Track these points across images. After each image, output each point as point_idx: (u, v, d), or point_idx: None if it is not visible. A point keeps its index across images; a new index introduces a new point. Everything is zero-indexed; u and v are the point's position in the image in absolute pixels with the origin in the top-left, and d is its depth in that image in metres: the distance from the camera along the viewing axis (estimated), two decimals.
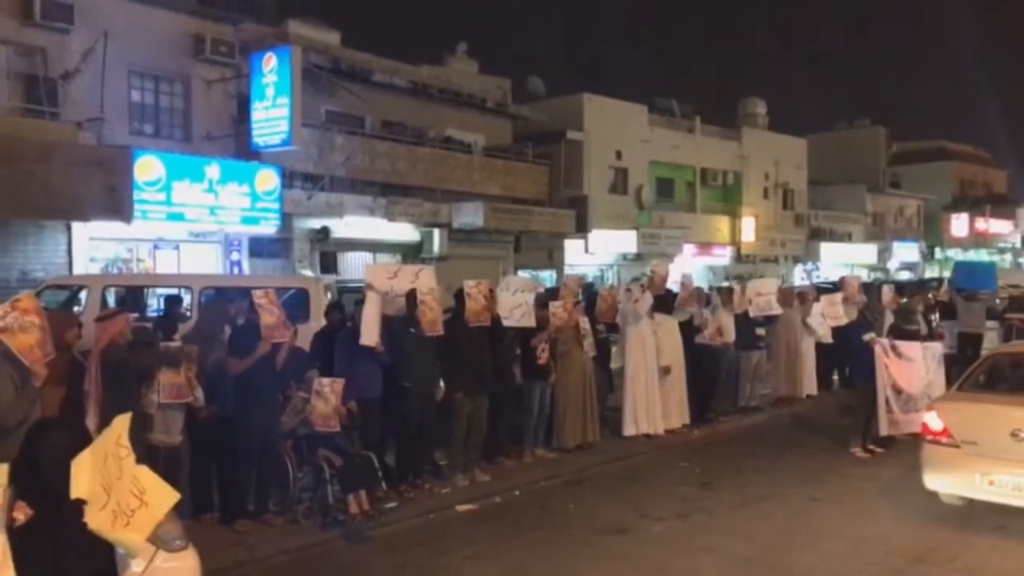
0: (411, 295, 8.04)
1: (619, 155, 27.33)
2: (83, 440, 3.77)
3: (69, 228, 15.04)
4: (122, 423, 4.28)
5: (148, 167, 14.83)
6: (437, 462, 8.58)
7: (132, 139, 15.85)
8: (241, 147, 17.26)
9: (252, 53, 17.09)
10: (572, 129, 25.60)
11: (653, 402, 10.42)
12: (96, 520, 3.72)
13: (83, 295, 12.62)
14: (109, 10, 15.43)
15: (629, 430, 10.32)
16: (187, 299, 12.91)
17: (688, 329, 11.08)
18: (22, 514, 3.36)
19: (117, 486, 3.99)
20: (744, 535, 6.98)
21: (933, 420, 7.24)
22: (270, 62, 16.66)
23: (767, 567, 6.31)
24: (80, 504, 3.61)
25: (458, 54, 25.47)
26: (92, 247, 15.62)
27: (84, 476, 3.71)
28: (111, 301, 12.85)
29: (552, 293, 10.69)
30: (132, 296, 13.18)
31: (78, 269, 15.01)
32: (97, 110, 15.11)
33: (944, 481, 7.16)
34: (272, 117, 16.63)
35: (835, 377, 13.89)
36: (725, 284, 12.64)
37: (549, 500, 8.21)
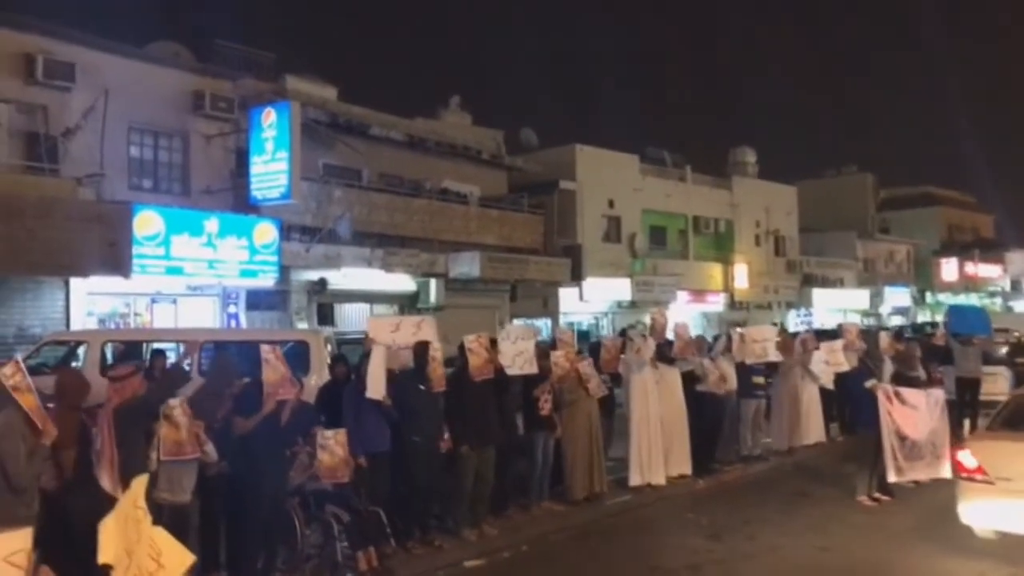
0: (423, 349, 8.04)
1: (612, 204, 27.58)
2: (107, 502, 3.78)
3: (67, 283, 15.01)
4: (140, 484, 4.29)
5: (147, 222, 14.87)
6: (444, 517, 8.52)
7: (131, 194, 15.92)
8: (239, 201, 17.35)
9: (251, 108, 17.28)
10: (565, 179, 25.86)
11: (657, 452, 10.39)
12: None
13: (81, 351, 12.57)
14: (110, 68, 15.63)
15: (635, 480, 10.27)
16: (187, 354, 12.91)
17: (688, 378, 11.10)
18: None
19: (137, 549, 3.99)
20: None
21: (967, 458, 7.64)
22: (269, 117, 16.84)
23: None
24: (107, 569, 3.61)
25: (452, 107, 25.80)
26: (90, 302, 15.58)
27: (111, 541, 3.71)
28: (110, 356, 12.83)
29: (551, 344, 10.70)
30: (131, 351, 13.13)
31: (76, 324, 14.95)
32: (97, 166, 15.20)
33: (980, 515, 7.56)
34: (271, 171, 16.76)
35: (833, 424, 13.89)
36: (732, 332, 12.63)
37: (558, 554, 8.16)
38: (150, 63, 16.76)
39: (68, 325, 14.86)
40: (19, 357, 7.44)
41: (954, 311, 16.65)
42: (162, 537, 4.21)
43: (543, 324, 24.25)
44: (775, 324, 18.66)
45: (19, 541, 3.13)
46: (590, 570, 7.61)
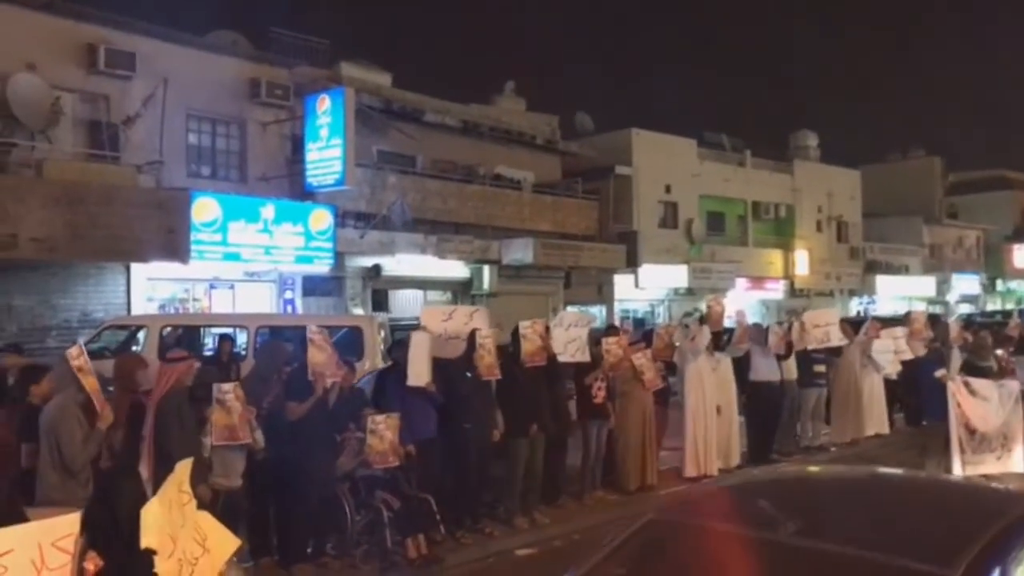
0: (472, 337, 7.95)
1: (668, 189, 27.16)
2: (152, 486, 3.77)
3: (128, 269, 15.34)
4: (184, 469, 4.25)
5: (205, 208, 15.09)
6: (495, 505, 8.44)
7: (189, 181, 16.17)
8: (295, 187, 17.51)
9: (306, 95, 17.38)
10: (621, 164, 25.54)
11: (712, 442, 10.16)
12: (164, 569, 3.67)
13: (141, 335, 12.82)
14: (169, 57, 15.85)
15: (690, 471, 10.05)
16: (242, 338, 13.10)
17: (742, 367, 10.82)
18: (92, 564, 3.31)
19: (181, 534, 3.95)
20: None
21: None
22: (324, 104, 16.92)
23: None
24: (150, 553, 3.57)
25: (506, 92, 25.65)
26: (150, 287, 15.90)
27: (154, 525, 3.68)
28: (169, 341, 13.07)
29: (606, 331, 10.53)
30: (189, 336, 13.36)
31: (136, 309, 15.28)
32: (156, 154, 15.46)
33: None
34: (326, 158, 16.85)
35: (897, 415, 13.45)
36: (782, 320, 12.26)
37: None
38: (208, 51, 16.97)
39: (129, 310, 15.18)
40: (82, 341, 7.61)
41: None
42: (208, 521, 4.17)
43: (597, 311, 24.04)
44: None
45: (67, 526, 3.09)
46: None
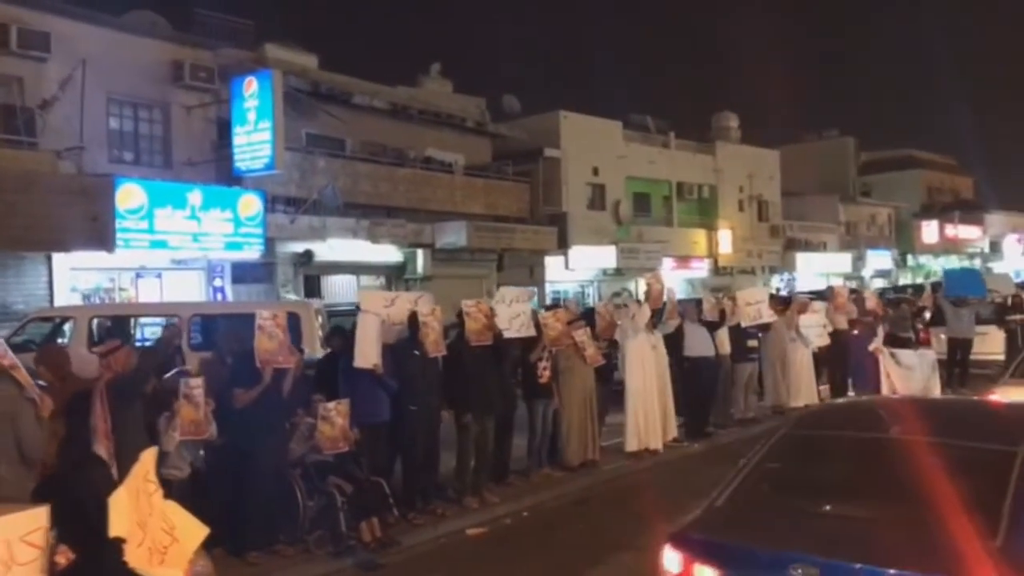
0: (413, 317, 7.97)
1: (596, 171, 27.47)
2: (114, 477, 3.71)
3: (50, 259, 14.81)
4: (149, 458, 4.20)
5: (130, 195, 14.64)
6: (444, 486, 8.50)
7: (112, 167, 15.67)
8: (222, 172, 17.12)
9: (232, 78, 16.99)
10: (549, 146, 25.71)
11: (654, 417, 10.41)
12: (135, 558, 3.64)
13: (68, 327, 12.42)
14: (87, 38, 15.28)
15: (631, 445, 10.29)
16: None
17: (675, 342, 11.09)
18: (63, 558, 3.26)
19: (150, 523, 3.92)
20: None
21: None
22: (251, 86, 16.55)
23: None
24: (120, 543, 3.53)
25: (432, 74, 25.48)
26: (73, 277, 15.38)
27: (122, 514, 3.64)
28: (96, 332, 12.68)
29: (546, 308, 10.66)
30: (118, 326, 12.98)
31: (59, 300, 14.77)
32: (76, 139, 14.92)
33: None
34: (254, 141, 16.51)
35: (823, 386, 13.98)
36: (705, 297, 12.58)
37: (559, 520, 8.17)
38: (127, 33, 16.41)
39: (52, 301, 14.67)
40: (2, 335, 7.34)
41: (948, 275, 16.74)
42: (175, 511, 4.13)
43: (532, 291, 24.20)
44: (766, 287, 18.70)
45: (35, 520, 3.05)
46: (590, 534, 7.62)
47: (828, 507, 4.08)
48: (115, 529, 3.60)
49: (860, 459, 4.38)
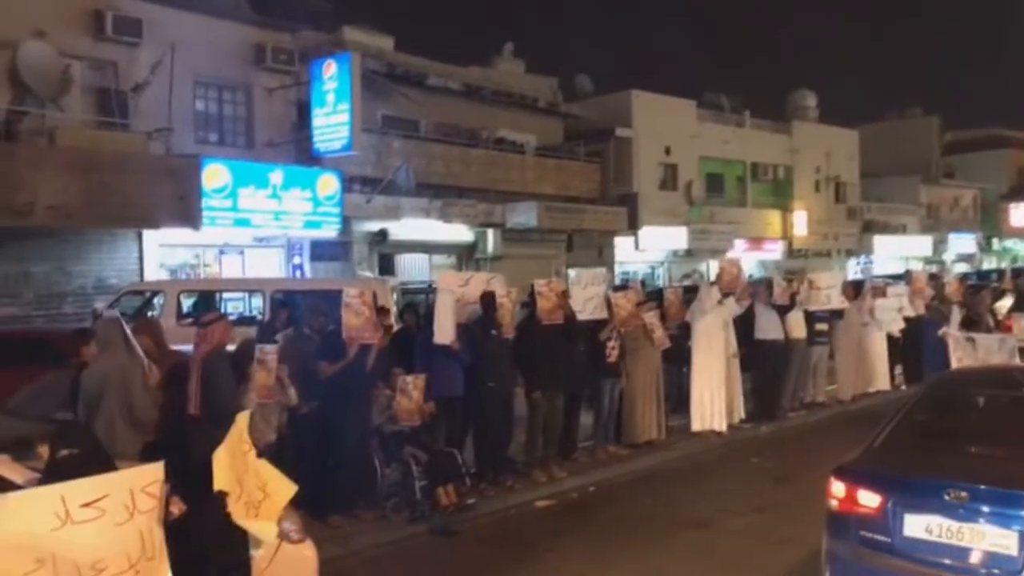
0: (490, 297, 8.21)
1: (668, 151, 27.25)
2: (219, 436, 4.05)
3: (140, 236, 15.51)
4: (243, 420, 4.55)
5: (215, 175, 15.24)
6: (514, 459, 8.78)
7: (198, 147, 16.28)
8: (301, 153, 17.62)
9: (312, 60, 17.42)
10: (621, 126, 25.61)
11: (719, 398, 10.49)
12: (235, 511, 3.98)
13: (158, 300, 13.07)
14: (175, 23, 15.88)
15: (696, 425, 10.41)
16: (257, 302, 13.37)
17: (746, 324, 11.10)
18: (177, 509, 3.61)
19: (245, 479, 4.26)
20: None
21: None
22: (330, 69, 16.97)
23: None
24: (223, 496, 3.88)
25: (504, 54, 25.55)
26: (161, 253, 16.11)
27: (223, 470, 3.98)
28: (185, 305, 13.33)
29: (615, 289, 10.80)
30: (204, 300, 13.62)
31: (148, 275, 15.48)
32: (165, 120, 15.54)
33: None
34: (333, 123, 16.95)
35: (898, 372, 13.80)
36: (775, 279, 12.48)
37: (624, 495, 8.37)
38: (212, 16, 16.93)
39: (142, 276, 15.39)
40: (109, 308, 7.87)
41: None
42: (266, 469, 4.45)
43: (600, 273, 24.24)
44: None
45: (154, 473, 3.38)
46: (657, 510, 7.80)
47: (972, 448, 4.90)
48: (219, 483, 3.96)
49: (997, 412, 5.24)
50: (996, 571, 4.23)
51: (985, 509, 4.30)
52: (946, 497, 4.35)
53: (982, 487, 4.33)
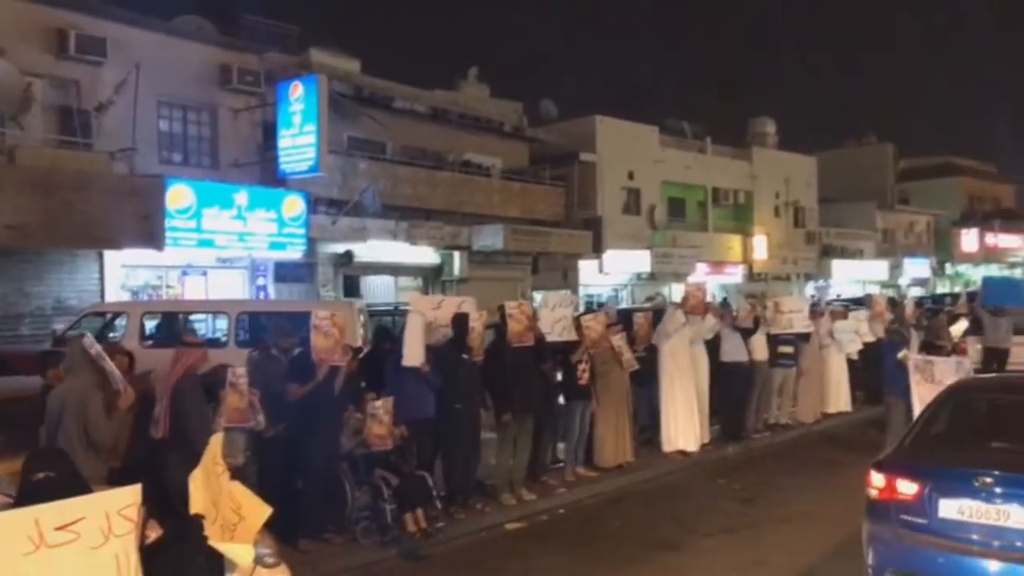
0: (463, 320, 8.22)
1: (631, 176, 27.59)
2: (194, 459, 4.00)
3: (101, 256, 15.31)
4: (217, 442, 4.50)
5: (180, 195, 15.11)
6: (483, 482, 8.76)
7: (162, 168, 16.15)
8: (266, 174, 17.55)
9: (278, 82, 17.41)
10: (585, 151, 25.90)
11: (690, 419, 10.58)
12: (212, 533, 3.93)
13: (120, 321, 12.87)
14: (139, 43, 15.79)
15: (666, 447, 10.48)
16: (222, 324, 13.21)
17: (711, 347, 11.24)
18: (153, 532, 3.55)
19: (220, 502, 4.21)
20: (793, 550, 7.14)
21: None
22: (297, 90, 16.97)
23: None
24: (199, 519, 3.82)
25: (470, 79, 25.70)
26: (123, 274, 15.88)
27: (199, 492, 3.93)
28: (148, 327, 13.14)
29: (584, 313, 10.90)
30: (168, 322, 13.43)
31: (110, 296, 15.26)
32: (129, 140, 15.41)
33: None
34: (299, 144, 16.92)
35: (859, 393, 14.02)
36: (741, 301, 12.67)
37: (594, 517, 8.39)
38: (178, 37, 16.91)
39: (103, 297, 15.16)
40: (84, 332, 7.73)
41: (988, 283, 16.65)
42: (241, 491, 4.40)
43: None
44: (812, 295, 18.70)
45: (130, 496, 3.33)
46: (626, 532, 7.83)
47: (994, 444, 5.72)
48: (195, 506, 3.90)
49: (1011, 413, 6.09)
50: (1019, 544, 4.93)
51: (1009, 493, 5.01)
52: (975, 484, 5.07)
53: (1007, 474, 5.07)
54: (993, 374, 11.22)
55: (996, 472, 5.08)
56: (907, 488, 5.34)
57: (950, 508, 5.17)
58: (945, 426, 6.03)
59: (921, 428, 6.02)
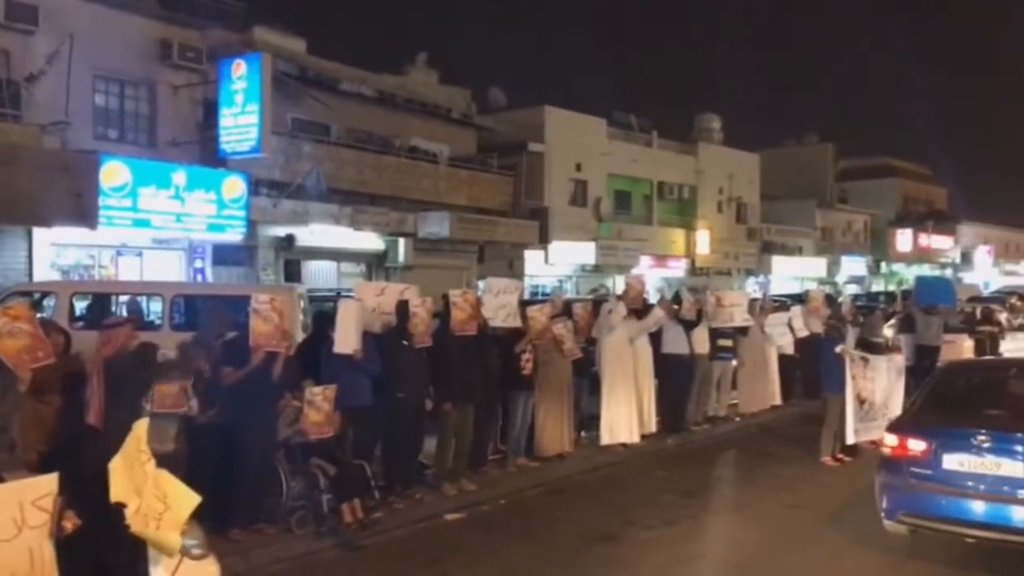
0: (403, 306, 8.09)
1: (579, 167, 27.67)
2: (114, 446, 3.82)
3: (30, 234, 14.73)
4: (141, 428, 4.33)
5: (115, 173, 14.60)
6: (423, 471, 8.64)
7: (96, 144, 15.59)
8: (206, 153, 17.09)
9: (221, 59, 16.94)
10: (534, 140, 25.85)
11: (630, 411, 10.59)
12: (135, 522, 3.76)
13: (48, 302, 12.38)
14: (75, 13, 15.18)
15: (605, 439, 10.49)
16: (156, 307, 12.82)
17: (656, 339, 11.29)
18: (70, 523, 3.38)
19: (144, 490, 4.04)
20: (732, 542, 7.21)
21: None
22: (240, 69, 16.53)
23: (759, 573, 6.52)
24: (120, 508, 3.65)
25: (418, 64, 25.40)
26: (53, 253, 15.31)
27: (120, 480, 3.77)
28: (78, 308, 12.67)
29: (529, 302, 10.83)
30: (100, 303, 12.97)
31: (38, 275, 14.70)
32: (61, 114, 14.83)
33: None
34: (241, 124, 16.49)
35: (794, 387, 14.23)
36: (684, 294, 12.71)
37: (535, 508, 8.35)
38: (116, 8, 16.27)
39: (31, 276, 14.60)
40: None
41: (921, 282, 17.02)
42: (167, 480, 4.24)
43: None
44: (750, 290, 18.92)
45: (46, 486, 3.17)
46: (567, 523, 7.80)
47: (987, 411, 6.93)
48: (115, 495, 3.74)
49: (1003, 388, 7.46)
50: (1006, 488, 6.07)
51: (1001, 448, 6.15)
52: (973, 441, 6.25)
53: (999, 433, 6.24)
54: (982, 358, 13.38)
55: (991, 432, 6.24)
56: (917, 445, 6.49)
57: (952, 461, 6.32)
58: (942, 398, 7.21)
59: (922, 401, 7.22)
